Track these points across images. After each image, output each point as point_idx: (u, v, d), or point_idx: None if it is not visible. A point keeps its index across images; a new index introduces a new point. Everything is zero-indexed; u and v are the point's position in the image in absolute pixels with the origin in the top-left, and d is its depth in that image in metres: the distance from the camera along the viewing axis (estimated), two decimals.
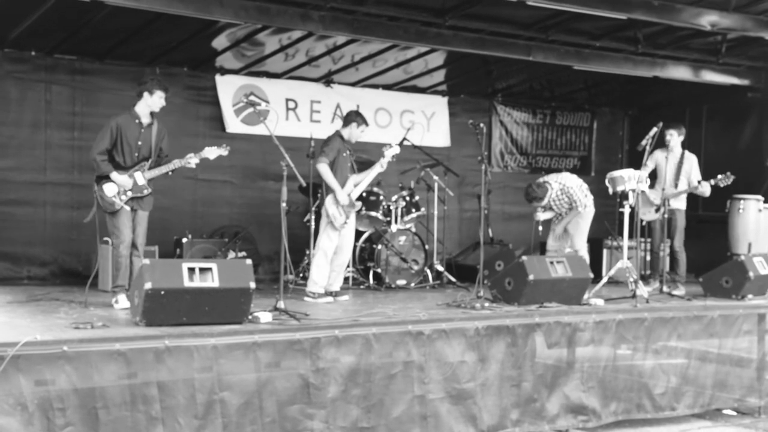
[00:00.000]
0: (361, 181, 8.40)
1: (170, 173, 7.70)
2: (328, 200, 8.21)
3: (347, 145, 8.45)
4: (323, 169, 8.16)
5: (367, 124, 8.50)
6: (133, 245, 7.47)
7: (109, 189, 7.35)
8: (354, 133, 8.42)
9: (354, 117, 8.46)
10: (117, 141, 7.39)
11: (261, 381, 5.91)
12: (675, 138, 9.68)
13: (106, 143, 7.35)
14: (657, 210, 9.66)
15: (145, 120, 7.53)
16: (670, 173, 9.65)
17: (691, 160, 9.77)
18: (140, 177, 7.46)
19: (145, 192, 7.49)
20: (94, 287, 8.45)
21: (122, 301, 7.24)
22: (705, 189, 9.52)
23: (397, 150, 8.49)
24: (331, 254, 8.26)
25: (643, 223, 9.76)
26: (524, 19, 9.28)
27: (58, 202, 9.79)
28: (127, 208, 7.38)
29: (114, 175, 7.34)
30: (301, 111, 11.22)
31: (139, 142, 7.49)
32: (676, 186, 9.65)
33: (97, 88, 9.95)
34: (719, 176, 9.36)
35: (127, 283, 7.35)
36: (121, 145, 7.41)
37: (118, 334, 5.64)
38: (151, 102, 7.48)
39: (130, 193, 7.41)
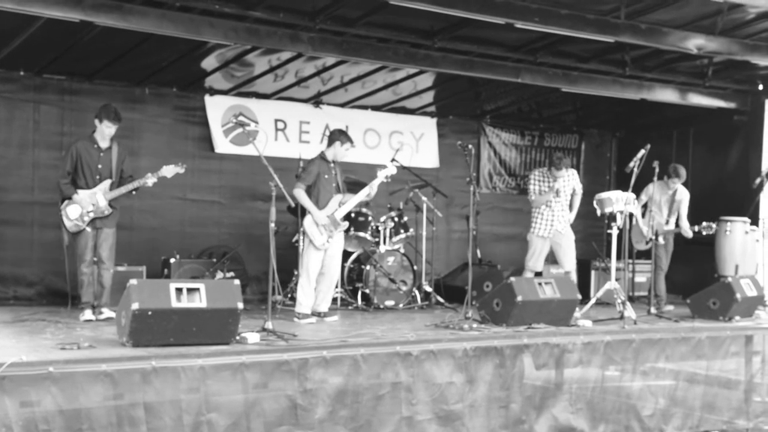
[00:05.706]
0: (348, 201, 8.40)
1: (134, 192, 7.99)
2: (306, 220, 8.23)
3: (333, 165, 8.44)
4: (298, 193, 8.19)
5: (352, 143, 8.49)
6: (100, 260, 7.79)
7: (72, 211, 7.70)
8: (338, 152, 8.41)
9: (337, 136, 8.46)
10: (77, 164, 7.78)
11: (248, 402, 5.88)
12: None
13: (68, 166, 7.78)
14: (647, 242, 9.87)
15: (104, 144, 7.86)
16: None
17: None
18: (102, 199, 7.74)
19: (107, 213, 7.79)
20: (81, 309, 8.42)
21: (87, 315, 7.65)
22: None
23: (392, 170, 8.51)
24: (315, 275, 8.22)
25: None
26: (513, 42, 9.33)
27: (46, 222, 9.69)
28: (89, 229, 7.71)
29: (75, 196, 7.69)
30: (290, 131, 11.21)
31: (99, 165, 7.83)
32: (667, 222, 9.84)
33: (86, 108, 9.85)
34: (704, 224, 9.59)
35: (92, 298, 7.76)
36: (81, 168, 7.78)
37: (104, 354, 5.61)
38: (101, 129, 7.80)
39: (92, 215, 7.72)
